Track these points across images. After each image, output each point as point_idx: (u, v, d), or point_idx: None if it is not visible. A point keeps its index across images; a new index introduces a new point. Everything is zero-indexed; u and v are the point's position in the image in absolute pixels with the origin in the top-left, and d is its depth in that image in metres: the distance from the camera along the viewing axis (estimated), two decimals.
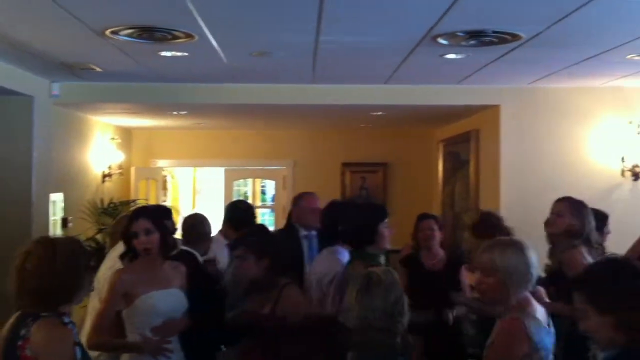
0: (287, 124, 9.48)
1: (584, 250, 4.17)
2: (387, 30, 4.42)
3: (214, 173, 12.43)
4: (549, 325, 2.98)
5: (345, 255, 4.16)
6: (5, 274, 2.66)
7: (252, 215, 5.25)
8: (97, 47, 4.82)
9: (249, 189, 13.29)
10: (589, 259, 4.12)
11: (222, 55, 5.12)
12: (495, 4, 3.81)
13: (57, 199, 6.80)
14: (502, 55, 5.09)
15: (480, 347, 3.19)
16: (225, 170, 10.86)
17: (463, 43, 4.61)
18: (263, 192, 13.16)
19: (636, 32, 4.42)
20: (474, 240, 4.59)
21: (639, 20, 4.14)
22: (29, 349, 2.55)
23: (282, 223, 6.52)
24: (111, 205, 8.00)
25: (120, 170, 8.90)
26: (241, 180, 12.13)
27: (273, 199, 11.88)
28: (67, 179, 7.29)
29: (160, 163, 10.50)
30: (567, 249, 4.17)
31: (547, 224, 4.46)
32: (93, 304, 4.02)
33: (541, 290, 3.87)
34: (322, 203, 5.02)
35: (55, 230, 6.73)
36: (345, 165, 10.20)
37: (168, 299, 3.59)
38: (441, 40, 4.56)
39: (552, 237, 4.41)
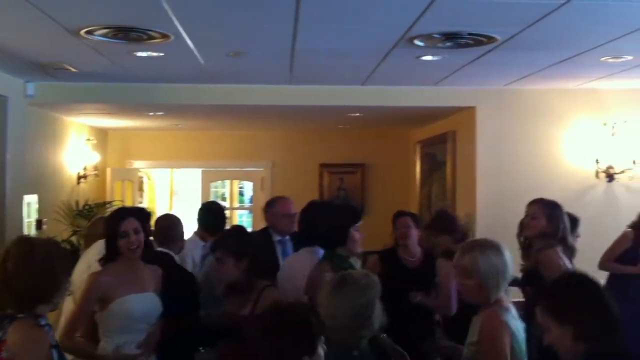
0: (265, 125, 9.46)
1: (559, 250, 4.21)
2: (364, 31, 4.43)
3: (191, 174, 12.36)
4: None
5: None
6: None
7: (223, 218, 5.22)
8: (72, 47, 4.77)
9: (226, 191, 13.24)
10: (565, 259, 4.17)
11: (198, 55, 5.09)
12: (470, 6, 3.84)
13: (31, 201, 6.72)
14: (478, 57, 5.12)
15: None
16: (203, 171, 10.81)
17: (439, 45, 4.63)
18: (241, 194, 13.12)
19: (610, 35, 4.47)
20: (431, 238, 4.64)
21: (612, 23, 4.19)
22: (5, 350, 2.53)
23: (261, 225, 6.51)
24: (86, 207, 7.91)
25: (95, 172, 8.81)
26: (219, 181, 12.09)
27: (251, 200, 11.84)
28: (42, 180, 7.20)
29: (137, 164, 10.43)
30: (543, 249, 4.21)
31: (522, 227, 4.49)
32: (67, 305, 3.98)
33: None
34: (300, 204, 4.99)
35: (30, 232, 6.64)
36: (323, 166, 10.21)
37: (144, 303, 3.57)
38: (417, 42, 4.58)
39: (527, 240, 4.45)
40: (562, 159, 6.73)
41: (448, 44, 4.59)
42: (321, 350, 2.43)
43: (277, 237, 4.97)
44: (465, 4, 3.80)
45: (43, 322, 2.65)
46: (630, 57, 5.14)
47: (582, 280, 2.43)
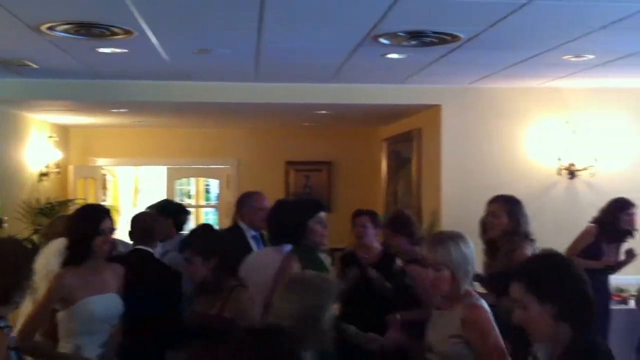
0: (231, 122, 9.41)
1: (527, 245, 4.26)
2: (329, 29, 4.43)
3: (155, 171, 12.25)
4: None
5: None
6: None
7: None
8: (33, 43, 4.69)
9: (192, 188, 13.15)
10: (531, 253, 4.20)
11: (162, 52, 5.04)
12: (434, 5, 3.86)
13: None
14: (443, 56, 5.16)
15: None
16: (168, 169, 10.71)
17: (404, 43, 4.66)
18: (207, 191, 13.05)
19: (572, 34, 4.54)
20: (391, 235, 4.67)
21: (574, 22, 4.25)
22: None
23: (226, 222, 6.47)
24: (48, 205, 7.79)
25: (57, 169, 8.68)
26: (184, 179, 11.99)
27: (217, 198, 11.78)
28: (3, 179, 7.08)
29: (100, 162, 10.30)
30: (514, 251, 4.23)
31: (484, 226, 4.53)
32: (26, 305, 3.90)
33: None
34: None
35: None
36: (290, 163, 10.19)
37: (106, 304, 3.53)
38: (383, 40, 4.60)
39: (492, 240, 4.48)
40: (525, 157, 6.82)
41: (413, 42, 4.62)
42: None
43: (251, 233, 4.93)
44: (429, 2, 3.82)
45: (2, 324, 2.60)
46: (591, 56, 5.23)
47: (562, 259, 2.42)
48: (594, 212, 5.65)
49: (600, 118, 6.75)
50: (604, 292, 5.35)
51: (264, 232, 4.86)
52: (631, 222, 5.54)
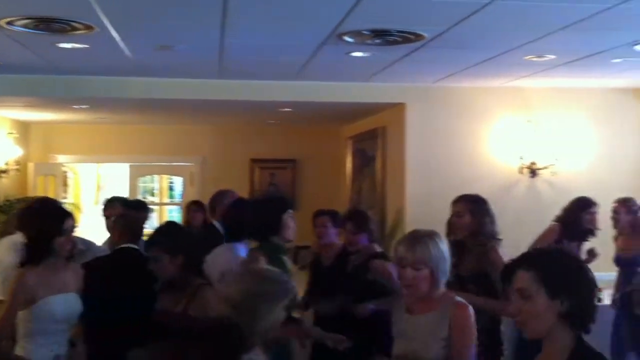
0: (195, 119, 9.33)
1: (496, 245, 4.28)
2: (293, 27, 4.42)
3: (118, 169, 12.09)
4: None
5: (242, 252, 4.14)
6: None
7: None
8: None
9: (155, 186, 13.01)
10: (503, 253, 4.21)
11: (124, 47, 4.97)
12: (399, 4, 3.88)
13: None
14: (407, 55, 5.18)
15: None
16: (130, 166, 10.58)
17: (368, 41, 4.67)
18: (171, 189, 12.92)
19: (533, 35, 4.60)
20: (352, 233, 4.69)
21: (535, 22, 4.30)
22: None
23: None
24: (7, 202, 7.64)
25: (17, 166, 8.52)
26: (147, 176, 11.85)
27: (181, 196, 11.67)
28: None
29: (61, 159, 10.12)
30: (487, 253, 4.23)
31: (450, 227, 4.53)
32: None
33: None
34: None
35: None
36: (254, 161, 10.15)
37: (66, 304, 3.47)
38: (347, 38, 4.60)
39: (459, 241, 4.49)
40: (488, 155, 6.89)
41: (377, 40, 4.63)
42: None
43: None
44: (393, 1, 3.83)
45: None
46: (553, 56, 5.30)
47: (580, 262, 2.32)
48: (555, 210, 5.70)
49: (561, 117, 6.85)
50: None
51: None
52: (593, 221, 5.59)
